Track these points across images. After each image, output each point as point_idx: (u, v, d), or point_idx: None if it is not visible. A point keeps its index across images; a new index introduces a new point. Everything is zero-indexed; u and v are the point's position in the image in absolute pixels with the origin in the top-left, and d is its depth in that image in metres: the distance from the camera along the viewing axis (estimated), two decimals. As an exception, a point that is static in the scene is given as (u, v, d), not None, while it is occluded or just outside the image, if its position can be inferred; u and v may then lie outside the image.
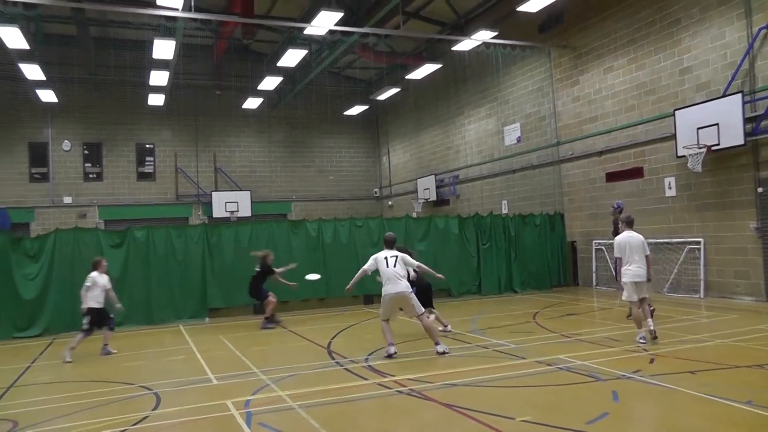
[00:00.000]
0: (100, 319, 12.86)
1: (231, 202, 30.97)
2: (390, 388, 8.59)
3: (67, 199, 30.79)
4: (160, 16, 18.58)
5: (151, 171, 32.58)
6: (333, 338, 13.13)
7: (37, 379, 11.08)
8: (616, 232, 13.15)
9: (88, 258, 16.41)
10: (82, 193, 31.15)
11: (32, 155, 30.75)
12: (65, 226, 19.54)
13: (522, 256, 20.92)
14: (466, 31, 24.22)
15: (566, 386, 8.41)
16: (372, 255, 11.45)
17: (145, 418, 7.98)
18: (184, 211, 32.26)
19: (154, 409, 8.41)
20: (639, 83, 18.89)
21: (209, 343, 13.73)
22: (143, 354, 13.03)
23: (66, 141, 31.07)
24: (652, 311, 11.55)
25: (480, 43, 21.57)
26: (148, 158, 32.58)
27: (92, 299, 12.74)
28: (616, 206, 14.93)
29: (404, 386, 8.60)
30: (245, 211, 30.95)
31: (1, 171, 30.11)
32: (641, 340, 10.93)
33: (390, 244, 11.44)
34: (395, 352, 10.80)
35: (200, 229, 18.43)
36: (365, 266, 11.27)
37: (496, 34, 21.05)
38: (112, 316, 13.22)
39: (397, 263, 11.05)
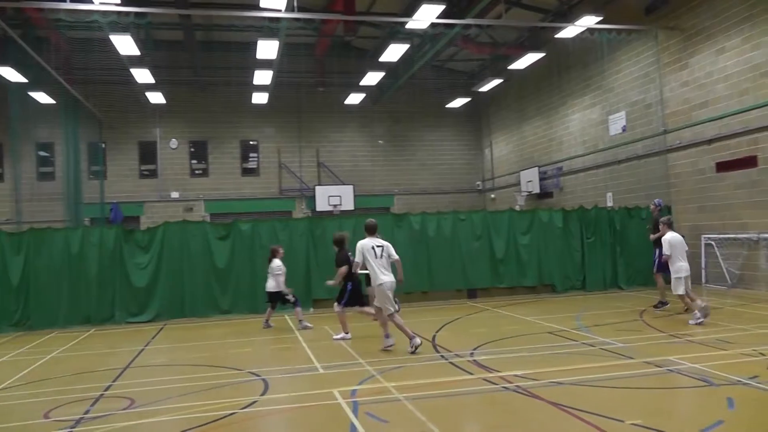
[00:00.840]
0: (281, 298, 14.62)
1: (334, 196, 31.45)
2: (496, 384, 8.55)
3: (174, 194, 32.14)
4: (264, 17, 18.99)
5: (255, 166, 33.56)
6: (437, 331, 13.16)
7: (151, 361, 11.71)
8: (656, 230, 14.54)
9: (195, 249, 17.61)
10: (189, 188, 32.48)
11: (142, 153, 32.50)
12: (172, 219, 20.39)
13: (627, 251, 20.28)
14: (569, 17, 23.70)
15: (677, 390, 8.17)
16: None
17: (254, 402, 8.27)
18: (288, 205, 32.96)
19: (262, 394, 8.71)
20: (754, 65, 17.75)
21: (315, 332, 14.07)
22: (250, 341, 13.51)
23: (173, 139, 32.45)
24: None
25: (584, 29, 21.02)
26: (252, 154, 33.59)
27: (282, 282, 14.50)
28: (657, 204, 16.24)
29: (510, 383, 8.53)
30: (348, 204, 31.36)
31: (114, 168, 31.80)
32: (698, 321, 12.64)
33: (373, 231, 11.48)
34: (420, 342, 11.05)
35: (305, 222, 18.88)
36: (356, 258, 11.17)
37: (600, 18, 20.44)
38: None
39: (383, 253, 11.16)
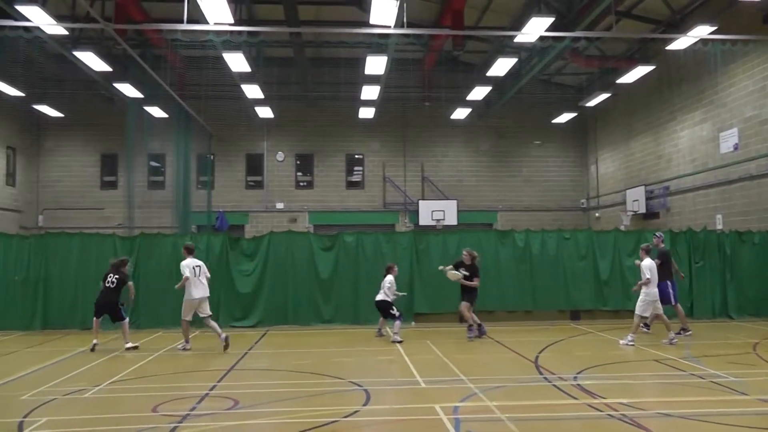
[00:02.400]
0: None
1: (437, 211, 31.29)
2: (601, 411, 8.29)
3: (279, 205, 32.97)
4: (374, 33, 19.21)
5: (360, 180, 33.95)
6: (540, 352, 12.93)
7: (254, 365, 12.04)
8: (662, 263, 15.18)
9: (299, 259, 17.97)
10: (293, 200, 33.25)
11: (249, 165, 33.61)
12: (277, 229, 20.88)
13: (739, 277, 19.18)
14: (681, 27, 22.91)
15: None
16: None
17: (356, 412, 8.33)
18: (391, 219, 33.17)
19: (364, 404, 8.75)
20: None
21: (416, 346, 13.98)
22: (352, 351, 13.68)
23: (280, 152, 33.33)
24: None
25: (697, 39, 20.00)
26: (356, 168, 34.03)
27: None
28: (659, 236, 16.57)
29: (615, 410, 8.26)
30: (451, 219, 31.10)
31: (222, 178, 33.00)
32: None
33: (191, 252, 14.02)
34: (190, 347, 13.47)
35: (409, 236, 18.97)
36: (187, 273, 13.44)
37: (714, 29, 19.37)
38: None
39: (200, 271, 13.67)
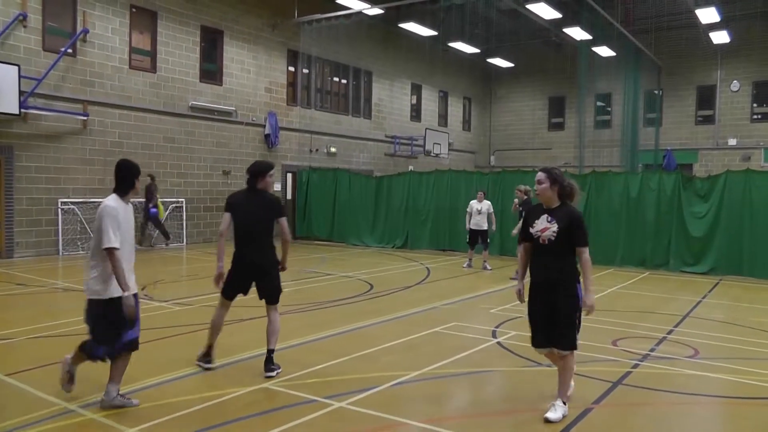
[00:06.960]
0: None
1: None
2: None
3: (732, 141, 30.79)
4: None
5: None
6: None
7: (711, 315, 11.49)
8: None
9: (758, 202, 16.27)
10: (748, 135, 30.68)
11: (700, 98, 31.86)
12: (727, 168, 19.53)
13: None
14: None
15: None
16: None
17: None
18: None
19: None
20: None
21: None
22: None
23: (735, 81, 30.86)
24: None
25: None
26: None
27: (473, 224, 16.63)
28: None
29: None
30: None
31: (670, 115, 32.01)
32: None
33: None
34: None
35: None
36: None
37: None
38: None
39: None
